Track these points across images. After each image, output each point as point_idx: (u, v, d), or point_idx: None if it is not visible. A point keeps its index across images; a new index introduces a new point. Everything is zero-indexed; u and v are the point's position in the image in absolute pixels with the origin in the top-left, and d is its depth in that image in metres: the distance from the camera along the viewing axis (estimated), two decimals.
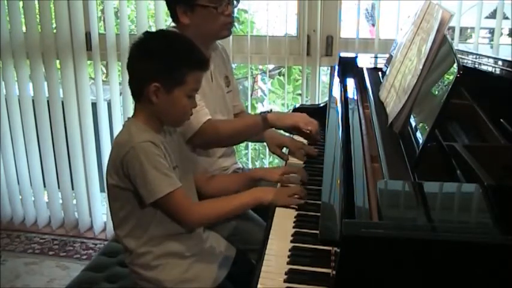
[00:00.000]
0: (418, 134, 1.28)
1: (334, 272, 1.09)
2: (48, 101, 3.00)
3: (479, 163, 1.15)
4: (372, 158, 1.38)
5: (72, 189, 3.13)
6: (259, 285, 1.19)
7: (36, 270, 2.78)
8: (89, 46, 2.86)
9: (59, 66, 2.93)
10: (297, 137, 1.98)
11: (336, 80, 2.10)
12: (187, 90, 1.45)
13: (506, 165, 1.20)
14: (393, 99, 1.55)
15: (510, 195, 1.05)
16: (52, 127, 3.03)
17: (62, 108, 2.98)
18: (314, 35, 2.65)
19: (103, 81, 3.00)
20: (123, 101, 2.90)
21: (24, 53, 2.96)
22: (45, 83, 2.99)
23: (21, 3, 2.92)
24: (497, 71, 1.61)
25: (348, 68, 2.17)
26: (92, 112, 2.99)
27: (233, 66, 2.67)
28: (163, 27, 2.55)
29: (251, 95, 3.47)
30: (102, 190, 3.13)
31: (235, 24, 2.10)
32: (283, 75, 3.19)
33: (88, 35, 2.85)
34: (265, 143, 2.12)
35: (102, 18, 3.09)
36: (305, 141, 1.97)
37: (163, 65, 1.42)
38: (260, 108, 3.54)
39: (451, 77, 1.23)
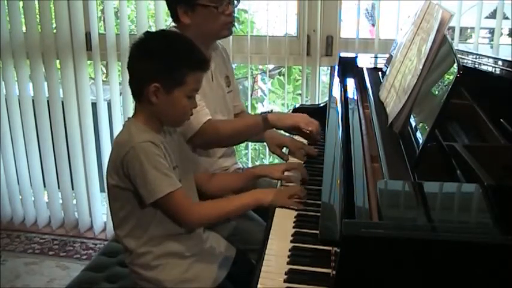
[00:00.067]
0: (418, 134, 1.28)
1: (334, 272, 1.09)
2: (48, 101, 3.00)
3: (479, 163, 1.15)
4: (372, 158, 1.38)
5: (72, 189, 3.13)
6: (259, 285, 1.19)
7: (36, 270, 2.78)
8: (89, 46, 2.86)
9: (59, 66, 2.93)
10: (297, 137, 1.98)
11: (336, 80, 2.09)
12: (187, 91, 1.45)
13: (506, 165, 1.20)
14: (393, 99, 1.55)
15: (510, 195, 1.05)
16: (52, 127, 3.03)
17: (62, 108, 2.98)
18: (314, 35, 2.65)
19: (103, 81, 3.00)
20: (123, 101, 2.90)
21: (24, 53, 2.96)
22: (45, 83, 2.99)
23: (21, 3, 2.91)
24: (497, 71, 1.61)
25: (348, 68, 2.17)
26: (92, 112, 2.99)
27: (233, 66, 2.67)
28: (163, 27, 2.56)
29: (251, 95, 3.47)
30: (102, 190, 3.13)
31: (236, 24, 2.10)
32: (283, 75, 3.19)
33: (88, 35, 2.85)
34: (265, 143, 2.13)
35: (102, 18, 3.09)
36: (305, 141, 1.98)
37: (163, 65, 1.42)
38: (260, 108, 3.54)
39: (451, 77, 1.23)
